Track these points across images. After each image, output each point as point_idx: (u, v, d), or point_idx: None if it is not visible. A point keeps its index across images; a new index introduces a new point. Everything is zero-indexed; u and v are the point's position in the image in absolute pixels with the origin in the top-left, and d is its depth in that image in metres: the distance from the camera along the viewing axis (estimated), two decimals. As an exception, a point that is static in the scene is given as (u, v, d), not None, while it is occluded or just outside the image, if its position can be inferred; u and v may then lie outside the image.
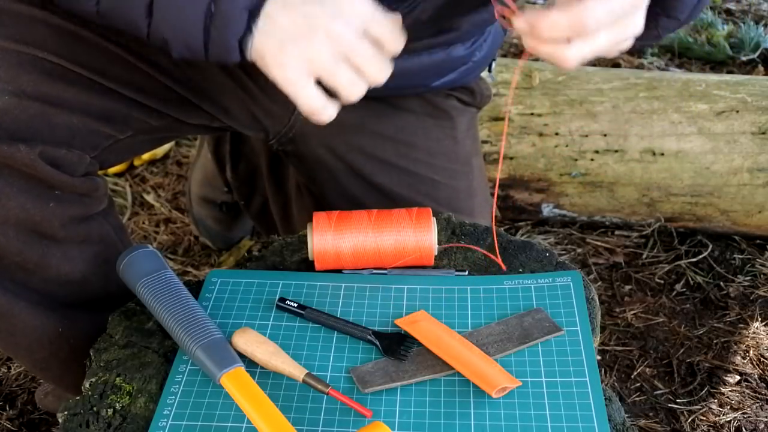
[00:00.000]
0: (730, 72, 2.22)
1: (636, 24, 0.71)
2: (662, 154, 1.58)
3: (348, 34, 0.70)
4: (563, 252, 1.64)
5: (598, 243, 1.67)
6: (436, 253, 0.94)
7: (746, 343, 1.42)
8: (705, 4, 0.80)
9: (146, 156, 1.87)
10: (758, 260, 1.60)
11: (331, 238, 0.91)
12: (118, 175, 1.86)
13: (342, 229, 0.91)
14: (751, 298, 1.53)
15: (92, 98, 0.82)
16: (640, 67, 2.27)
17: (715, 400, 1.32)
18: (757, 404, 1.31)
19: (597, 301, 0.89)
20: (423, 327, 0.84)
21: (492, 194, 1.54)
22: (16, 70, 0.77)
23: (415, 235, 0.92)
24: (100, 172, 0.93)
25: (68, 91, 0.81)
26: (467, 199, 1.21)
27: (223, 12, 0.68)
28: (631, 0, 0.69)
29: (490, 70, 1.20)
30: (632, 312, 1.49)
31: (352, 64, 0.72)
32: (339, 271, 0.94)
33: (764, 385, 1.34)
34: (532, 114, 1.63)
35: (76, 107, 0.82)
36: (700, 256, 1.62)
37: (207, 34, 0.70)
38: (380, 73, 0.73)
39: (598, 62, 2.31)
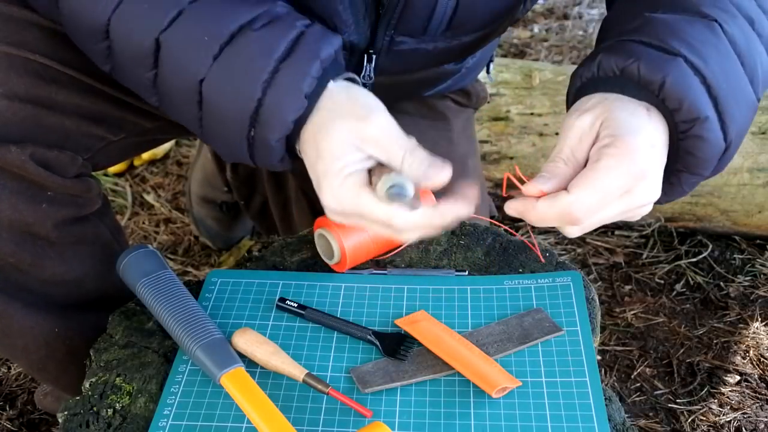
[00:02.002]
0: (730, 72, 2.22)
1: (641, 197, 0.68)
2: (662, 154, 1.58)
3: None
4: (563, 252, 1.64)
5: (598, 243, 1.67)
6: None
7: (746, 343, 1.42)
8: (730, 158, 0.72)
9: (146, 156, 1.88)
10: (758, 260, 1.60)
11: (355, 235, 0.91)
12: (118, 175, 1.86)
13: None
14: (751, 298, 1.53)
15: (84, 101, 0.82)
16: (640, 67, 2.26)
17: (715, 400, 1.32)
18: (757, 404, 1.31)
19: (597, 301, 0.89)
20: (423, 327, 0.84)
21: (489, 194, 1.55)
22: (8, 73, 0.77)
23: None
24: (99, 173, 0.92)
25: (60, 93, 0.81)
26: None
27: (262, 140, 0.70)
28: (623, 183, 0.67)
29: (488, 71, 1.20)
30: (632, 312, 1.49)
31: None
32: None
33: (764, 385, 1.34)
34: (532, 114, 1.63)
35: (68, 109, 0.82)
36: (700, 256, 1.62)
37: (252, 158, 0.72)
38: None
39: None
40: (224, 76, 0.69)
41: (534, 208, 0.69)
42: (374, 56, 0.90)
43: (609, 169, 0.66)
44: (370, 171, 0.71)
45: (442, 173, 0.68)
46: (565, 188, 0.69)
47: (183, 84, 0.71)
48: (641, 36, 0.70)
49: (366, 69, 0.91)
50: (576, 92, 0.74)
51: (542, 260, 0.93)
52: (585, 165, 0.70)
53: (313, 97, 0.70)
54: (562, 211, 0.67)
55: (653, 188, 0.68)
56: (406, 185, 0.68)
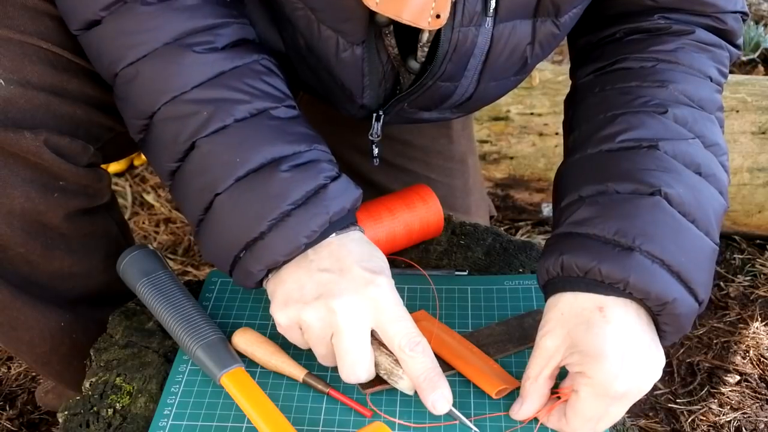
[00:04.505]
0: (730, 72, 2.22)
1: (638, 393, 0.71)
2: (662, 154, 1.58)
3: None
4: (563, 252, 1.64)
5: (598, 243, 1.67)
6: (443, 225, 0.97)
7: (746, 343, 1.42)
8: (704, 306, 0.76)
9: (146, 156, 1.87)
10: (758, 260, 1.60)
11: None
12: (118, 175, 1.86)
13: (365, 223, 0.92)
14: (751, 298, 1.53)
15: (94, 90, 0.83)
16: (640, 67, 2.26)
17: (715, 400, 1.32)
18: (757, 404, 1.31)
19: (597, 301, 0.89)
20: (423, 327, 0.83)
21: (489, 194, 1.55)
22: (21, 60, 0.78)
23: (423, 210, 0.95)
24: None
25: (71, 82, 0.81)
26: (464, 197, 1.21)
27: (247, 265, 0.74)
28: (609, 401, 0.70)
29: None
30: (632, 312, 1.49)
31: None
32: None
33: (764, 385, 1.34)
34: (532, 114, 1.63)
35: (79, 98, 0.82)
36: (700, 256, 1.62)
37: (230, 272, 0.76)
38: (352, 376, 0.74)
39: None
40: (239, 200, 0.73)
41: (547, 425, 0.74)
42: (383, 116, 0.93)
43: (590, 398, 0.70)
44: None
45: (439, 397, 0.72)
46: (546, 402, 0.74)
47: (199, 188, 0.74)
48: (595, 229, 0.72)
49: (374, 128, 0.94)
50: (545, 286, 0.77)
51: None
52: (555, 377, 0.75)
53: (310, 244, 0.73)
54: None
55: (645, 379, 0.70)
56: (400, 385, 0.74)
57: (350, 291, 0.71)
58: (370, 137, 0.95)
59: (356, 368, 0.72)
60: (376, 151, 0.98)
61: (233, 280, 0.77)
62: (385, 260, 0.76)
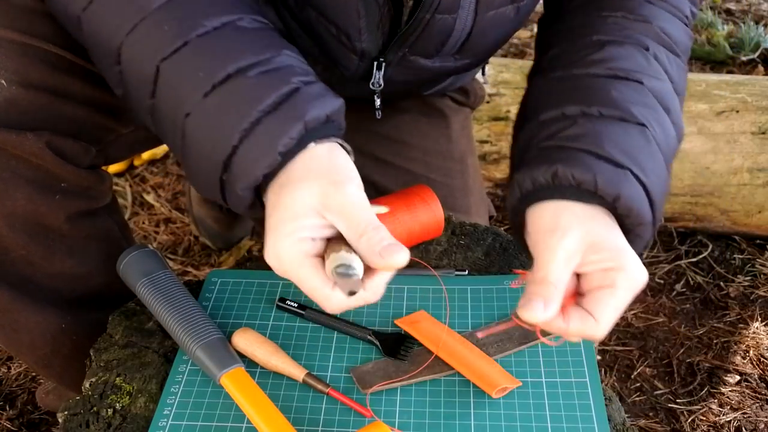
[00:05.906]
0: (730, 72, 2.22)
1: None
2: (662, 154, 1.58)
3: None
4: (563, 252, 1.64)
5: (598, 243, 1.66)
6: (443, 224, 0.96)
7: (746, 343, 1.42)
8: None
9: (146, 156, 1.88)
10: (758, 260, 1.60)
11: None
12: (118, 175, 1.86)
13: None
14: (751, 298, 1.53)
15: (96, 91, 0.83)
16: (640, 67, 2.26)
17: (715, 400, 1.32)
18: (757, 404, 1.31)
19: (597, 301, 0.89)
20: (423, 327, 0.84)
21: (489, 194, 1.55)
22: (23, 61, 0.78)
23: (424, 211, 0.94)
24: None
25: (74, 83, 0.81)
26: (463, 197, 1.21)
27: (232, 186, 0.69)
28: (632, 297, 0.70)
29: (483, 73, 1.21)
30: (632, 312, 1.50)
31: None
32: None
33: (764, 385, 1.34)
34: (532, 114, 1.63)
35: (81, 99, 0.82)
36: (700, 256, 1.62)
37: (225, 200, 0.71)
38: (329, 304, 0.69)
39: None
40: (208, 115, 0.68)
41: (567, 332, 0.71)
42: (384, 65, 0.91)
43: (624, 290, 0.69)
44: (328, 240, 0.69)
45: (398, 256, 0.66)
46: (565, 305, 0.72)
47: (171, 115, 0.70)
48: (589, 146, 0.72)
49: (375, 76, 0.92)
50: (527, 194, 0.74)
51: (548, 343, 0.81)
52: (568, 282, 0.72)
53: (288, 155, 0.68)
54: (592, 336, 0.71)
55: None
56: (354, 266, 0.66)
57: (308, 189, 0.67)
58: (371, 87, 0.92)
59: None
60: (377, 102, 0.96)
61: (232, 208, 0.72)
62: (356, 171, 0.72)
